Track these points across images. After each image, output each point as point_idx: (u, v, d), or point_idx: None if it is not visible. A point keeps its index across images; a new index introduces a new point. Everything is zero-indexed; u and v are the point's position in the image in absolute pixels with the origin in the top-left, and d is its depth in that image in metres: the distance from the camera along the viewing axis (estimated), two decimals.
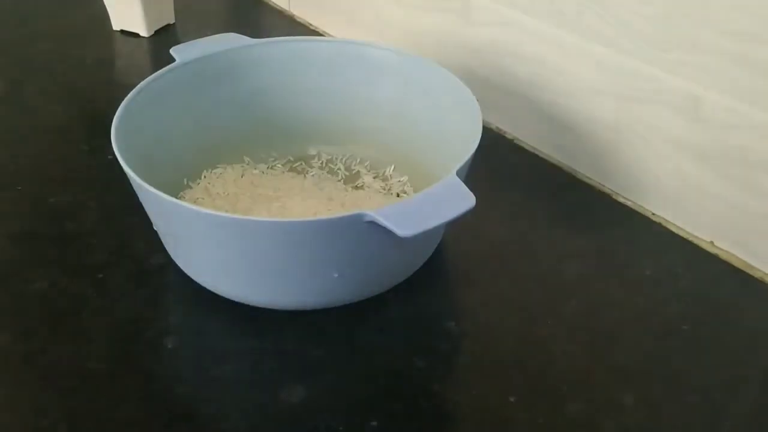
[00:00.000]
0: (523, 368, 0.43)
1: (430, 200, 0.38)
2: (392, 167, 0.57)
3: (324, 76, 0.57)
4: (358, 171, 0.57)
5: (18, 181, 0.58)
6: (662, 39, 0.49)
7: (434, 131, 0.53)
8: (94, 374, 0.42)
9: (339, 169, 0.57)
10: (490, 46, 0.62)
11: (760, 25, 0.44)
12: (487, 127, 0.53)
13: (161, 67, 0.51)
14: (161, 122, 0.51)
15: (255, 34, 0.57)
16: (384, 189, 0.55)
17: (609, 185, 0.58)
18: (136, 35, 0.81)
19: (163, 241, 0.48)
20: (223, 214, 0.38)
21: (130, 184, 0.43)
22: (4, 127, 0.65)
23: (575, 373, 0.43)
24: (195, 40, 0.55)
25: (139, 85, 0.49)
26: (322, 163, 0.58)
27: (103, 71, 0.76)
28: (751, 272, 0.50)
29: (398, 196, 0.55)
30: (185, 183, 0.54)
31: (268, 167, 0.57)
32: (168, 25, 0.84)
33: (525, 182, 0.60)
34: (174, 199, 0.40)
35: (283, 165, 0.58)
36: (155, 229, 0.47)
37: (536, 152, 0.63)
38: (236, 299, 0.46)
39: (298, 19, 0.86)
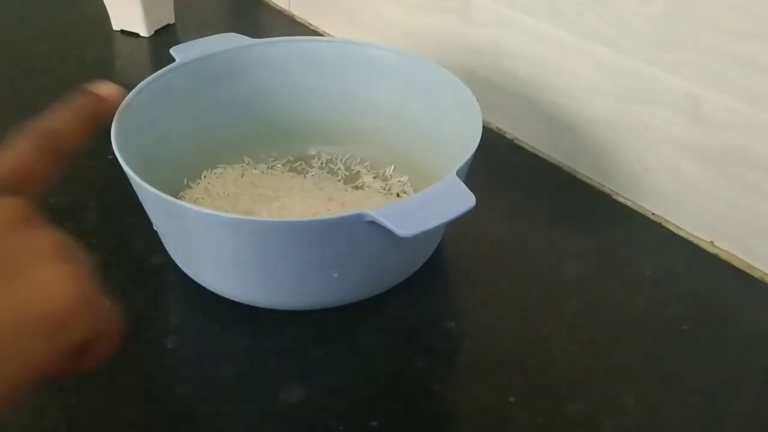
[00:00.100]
0: (523, 368, 0.43)
1: (430, 200, 0.38)
2: (392, 167, 0.57)
3: (324, 76, 0.57)
4: (358, 171, 0.57)
5: None
6: (662, 39, 0.49)
7: (434, 131, 0.53)
8: (94, 374, 0.42)
9: (339, 169, 0.57)
10: (490, 46, 0.62)
11: (760, 25, 0.44)
12: (487, 127, 0.53)
13: (161, 67, 0.51)
14: (161, 122, 0.51)
15: (255, 34, 0.57)
16: (384, 189, 0.55)
17: (609, 185, 0.58)
18: (136, 35, 0.81)
19: (163, 241, 0.48)
20: (223, 214, 0.38)
21: (130, 184, 0.43)
22: (4, 127, 0.65)
23: (575, 373, 0.43)
24: (195, 40, 0.55)
25: (139, 85, 0.49)
26: (322, 163, 0.58)
27: (103, 71, 0.76)
28: (751, 272, 0.50)
29: (398, 196, 0.55)
30: (185, 183, 0.54)
31: (268, 167, 0.57)
32: (168, 25, 0.84)
33: (525, 182, 0.60)
34: (174, 199, 0.40)
35: (283, 165, 0.58)
36: (155, 229, 0.47)
37: (536, 152, 0.63)
38: (236, 299, 0.46)
39: (298, 19, 0.86)
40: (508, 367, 0.43)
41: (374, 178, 0.56)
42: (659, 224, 0.55)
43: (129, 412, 0.40)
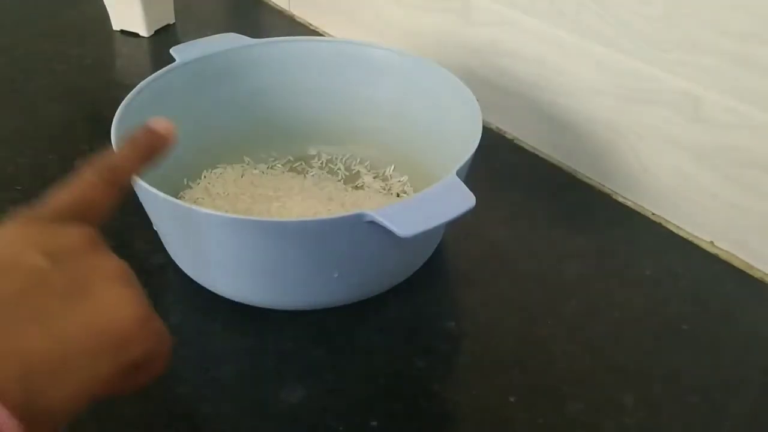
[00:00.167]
0: (523, 368, 0.43)
1: (430, 200, 0.38)
2: (392, 167, 0.57)
3: (324, 76, 0.57)
4: (358, 171, 0.57)
5: (18, 181, 0.58)
6: (662, 39, 0.49)
7: (434, 131, 0.54)
8: None
9: (339, 169, 0.57)
10: (490, 46, 0.62)
11: (760, 25, 0.44)
12: (487, 127, 0.53)
13: (161, 67, 0.51)
14: None
15: (255, 34, 0.57)
16: (384, 189, 0.55)
17: (609, 185, 0.58)
18: (136, 35, 0.81)
19: (163, 241, 0.48)
20: (223, 214, 0.38)
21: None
22: (4, 127, 0.65)
23: (575, 373, 0.43)
24: (195, 40, 0.55)
25: (139, 85, 0.49)
26: (322, 163, 0.58)
27: (103, 71, 0.76)
28: (751, 272, 0.50)
29: (398, 196, 0.55)
30: (185, 183, 0.54)
31: (268, 167, 0.57)
32: (168, 25, 0.84)
33: (525, 182, 0.60)
34: (174, 199, 0.40)
35: (283, 165, 0.58)
36: (155, 229, 0.47)
37: (536, 152, 0.63)
38: (236, 299, 0.46)
39: (298, 19, 0.86)
40: (508, 367, 0.43)
41: (374, 178, 0.56)
42: (659, 224, 0.55)
43: (129, 412, 0.40)
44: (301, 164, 0.58)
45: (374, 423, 0.39)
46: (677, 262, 0.51)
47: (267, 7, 0.90)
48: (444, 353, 0.44)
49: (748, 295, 0.49)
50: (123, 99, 0.47)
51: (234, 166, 0.56)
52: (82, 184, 0.30)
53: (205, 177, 0.55)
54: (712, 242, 0.52)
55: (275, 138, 0.58)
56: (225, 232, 0.40)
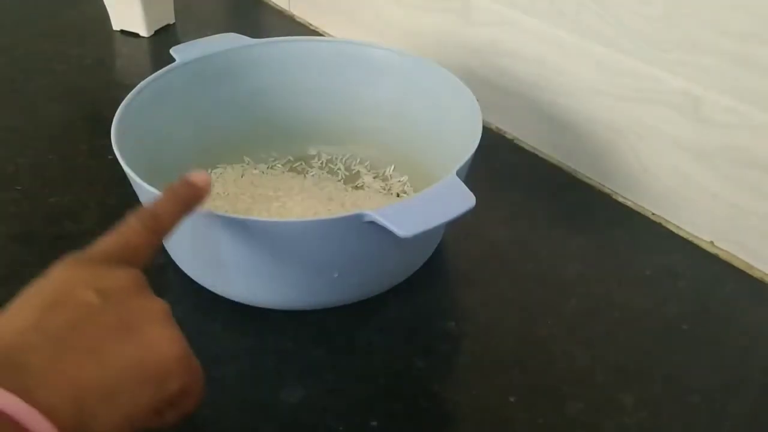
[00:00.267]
0: (523, 368, 0.43)
1: (430, 200, 0.38)
2: (392, 167, 0.57)
3: (324, 76, 0.57)
4: (358, 171, 0.57)
5: (18, 181, 0.58)
6: (662, 39, 0.49)
7: (434, 131, 0.53)
8: None
9: (339, 169, 0.57)
10: (490, 46, 0.62)
11: (760, 25, 0.44)
12: (487, 127, 0.53)
13: (161, 67, 0.51)
14: (161, 122, 0.51)
15: (255, 34, 0.57)
16: (384, 189, 0.55)
17: (609, 185, 0.58)
18: (136, 35, 0.81)
19: (163, 240, 0.48)
20: (224, 214, 0.38)
21: (130, 184, 0.43)
22: (4, 127, 0.65)
23: (575, 373, 0.43)
24: (195, 40, 0.55)
25: (139, 85, 0.49)
26: (322, 163, 0.58)
27: (103, 71, 0.76)
28: (751, 272, 0.50)
29: (398, 196, 0.55)
30: None
31: (268, 167, 0.57)
32: (168, 25, 0.84)
33: (525, 182, 0.60)
34: None
35: (283, 165, 0.58)
36: None
37: (536, 152, 0.63)
38: (236, 299, 0.46)
39: (298, 19, 0.86)
40: (508, 367, 0.43)
41: (374, 178, 0.56)
42: (659, 224, 0.55)
43: None
44: (301, 164, 0.58)
45: (374, 423, 0.39)
46: (677, 262, 0.51)
47: (267, 7, 0.90)
48: (444, 353, 0.44)
49: (748, 295, 0.49)
50: (123, 99, 0.47)
51: (234, 166, 0.56)
52: (127, 231, 0.33)
53: None
54: (712, 242, 0.52)
55: (275, 138, 0.58)
56: (225, 232, 0.40)
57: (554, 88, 0.59)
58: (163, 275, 0.49)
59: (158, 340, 0.29)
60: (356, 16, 0.77)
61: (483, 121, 0.46)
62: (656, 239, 0.53)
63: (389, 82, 0.56)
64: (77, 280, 0.29)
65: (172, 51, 0.53)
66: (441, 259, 0.50)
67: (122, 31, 0.82)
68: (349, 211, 0.38)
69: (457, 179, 0.40)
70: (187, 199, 0.36)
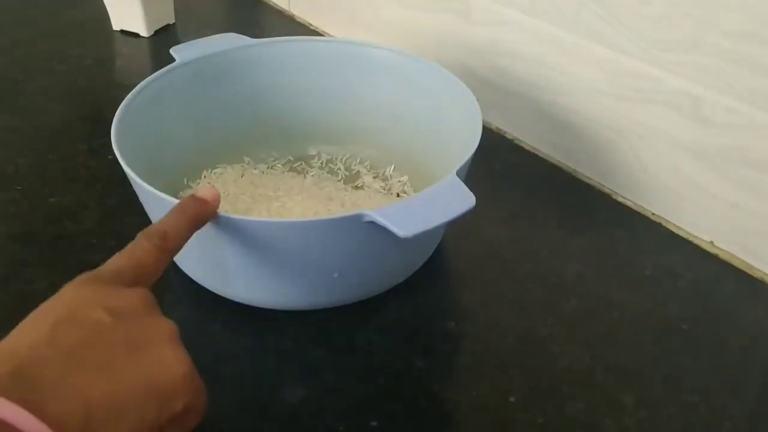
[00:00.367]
0: (523, 368, 0.43)
1: (430, 200, 0.38)
2: (392, 167, 0.57)
3: (324, 76, 0.57)
4: (358, 171, 0.57)
5: (18, 181, 0.58)
6: (662, 39, 0.49)
7: (434, 131, 0.53)
8: None
9: (339, 169, 0.57)
10: (489, 46, 0.62)
11: (760, 25, 0.44)
12: (487, 127, 0.53)
13: (161, 67, 0.51)
14: (161, 122, 0.51)
15: (255, 34, 0.57)
16: (384, 189, 0.55)
17: (609, 185, 0.58)
18: (136, 35, 0.81)
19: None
20: (223, 214, 0.38)
21: (130, 184, 0.43)
22: (4, 127, 0.65)
23: (575, 373, 0.43)
24: (195, 40, 0.55)
25: (139, 85, 0.49)
26: (322, 163, 0.58)
27: (103, 71, 0.76)
28: (751, 272, 0.50)
29: (398, 196, 0.55)
30: (185, 183, 0.54)
31: (268, 167, 0.57)
32: (168, 25, 0.84)
33: (525, 182, 0.60)
34: (174, 199, 0.40)
35: (283, 165, 0.58)
36: None
37: (536, 152, 0.63)
38: (236, 299, 0.46)
39: (298, 19, 0.86)
40: (508, 367, 0.43)
41: (374, 178, 0.56)
42: (659, 224, 0.55)
43: None
44: (301, 164, 0.58)
45: (374, 423, 0.39)
46: (677, 262, 0.51)
47: (267, 7, 0.90)
48: (444, 353, 0.44)
49: (748, 295, 0.49)
50: (123, 99, 0.47)
51: (234, 166, 0.56)
52: (137, 250, 0.34)
53: (205, 177, 0.55)
54: (712, 242, 0.52)
55: (275, 138, 0.58)
56: (225, 232, 0.40)
57: (554, 88, 0.59)
58: (163, 275, 0.48)
59: (166, 359, 0.29)
60: (356, 16, 0.77)
61: (483, 121, 0.46)
62: (656, 239, 0.53)
63: (389, 82, 0.56)
64: (88, 299, 0.30)
65: (172, 51, 0.53)
66: (441, 259, 0.50)
67: (122, 31, 0.82)
68: (349, 211, 0.38)
69: (457, 179, 0.40)
70: (196, 216, 0.37)
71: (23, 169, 0.59)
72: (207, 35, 0.56)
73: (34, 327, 0.28)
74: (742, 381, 0.43)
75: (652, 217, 0.55)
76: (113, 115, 0.46)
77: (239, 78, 0.56)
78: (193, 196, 0.37)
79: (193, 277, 0.47)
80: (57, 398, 0.25)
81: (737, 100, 0.47)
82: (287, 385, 0.42)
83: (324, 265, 0.42)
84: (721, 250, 0.52)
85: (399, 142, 0.56)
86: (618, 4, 0.51)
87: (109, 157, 0.44)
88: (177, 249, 0.36)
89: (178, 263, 0.47)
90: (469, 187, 0.39)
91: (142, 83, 0.49)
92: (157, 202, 0.41)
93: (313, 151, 0.59)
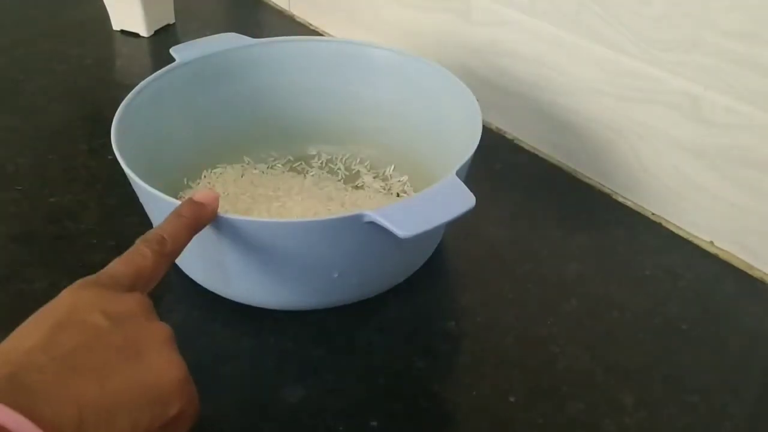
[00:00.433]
0: (523, 368, 0.43)
1: (430, 200, 0.38)
2: (392, 167, 0.57)
3: (324, 76, 0.57)
4: (358, 171, 0.57)
5: (18, 181, 0.58)
6: (662, 39, 0.49)
7: (434, 131, 0.53)
8: None
9: (339, 169, 0.57)
10: (489, 46, 0.62)
11: (760, 25, 0.44)
12: (487, 127, 0.53)
13: (161, 67, 0.51)
14: (161, 122, 0.51)
15: (255, 34, 0.57)
16: (384, 189, 0.55)
17: (609, 185, 0.58)
18: (136, 35, 0.81)
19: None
20: (223, 214, 0.38)
21: (130, 184, 0.43)
22: (4, 127, 0.65)
23: (575, 373, 0.43)
24: (195, 40, 0.55)
25: (139, 85, 0.49)
26: (322, 163, 0.58)
27: (103, 71, 0.76)
28: (751, 272, 0.50)
29: (398, 196, 0.55)
30: (185, 183, 0.54)
31: (268, 167, 0.57)
32: (168, 25, 0.84)
33: (525, 182, 0.60)
34: (174, 199, 0.40)
35: (283, 165, 0.58)
36: None
37: (536, 152, 0.63)
38: (236, 299, 0.46)
39: (298, 19, 0.86)
40: (508, 367, 0.43)
41: (374, 178, 0.56)
42: (659, 224, 0.55)
43: None
44: (301, 164, 0.58)
45: (374, 423, 0.39)
46: (677, 262, 0.51)
47: (267, 7, 0.90)
48: (444, 353, 0.44)
49: (748, 295, 0.49)
50: (123, 99, 0.47)
51: (234, 166, 0.56)
52: (135, 256, 0.34)
53: (205, 177, 0.55)
54: (712, 242, 0.52)
55: (275, 138, 0.58)
56: (225, 232, 0.40)
57: (554, 88, 0.59)
58: (163, 276, 0.49)
59: (162, 364, 0.29)
60: (356, 16, 0.77)
61: (483, 121, 0.46)
62: (656, 239, 0.54)
63: (389, 82, 0.56)
64: (87, 303, 0.30)
65: (172, 51, 0.53)
66: (441, 259, 0.50)
67: (122, 31, 0.82)
68: (349, 211, 0.38)
69: (457, 179, 0.40)
70: (194, 220, 0.37)
71: (23, 169, 0.59)
72: (207, 35, 0.56)
73: (32, 330, 0.28)
74: (742, 381, 0.43)
75: (652, 217, 0.55)
76: (113, 115, 0.46)
77: (239, 78, 0.56)
78: (191, 200, 0.37)
79: (193, 278, 0.47)
80: (51, 402, 0.25)
81: (737, 100, 0.47)
82: (287, 385, 0.42)
83: (324, 265, 0.42)
84: (721, 250, 0.52)
85: (399, 142, 0.56)
86: (618, 4, 0.51)
87: (109, 157, 0.44)
88: (176, 254, 0.36)
89: (179, 264, 0.47)
90: (469, 187, 0.39)
91: (142, 83, 0.49)
92: (157, 203, 0.41)
93: (313, 151, 0.59)
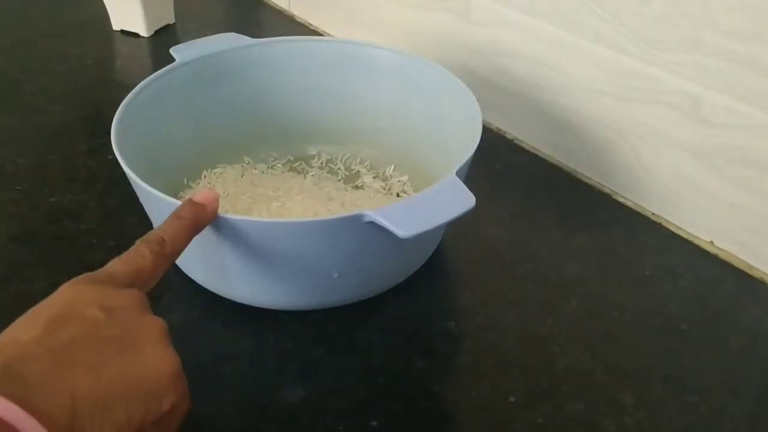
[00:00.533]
0: (523, 368, 0.43)
1: (430, 200, 0.38)
2: (392, 167, 0.57)
3: (324, 76, 0.57)
4: (358, 171, 0.57)
5: (18, 181, 0.58)
6: (662, 39, 0.49)
7: (434, 131, 0.53)
8: None
9: (339, 169, 0.57)
10: (489, 46, 0.62)
11: (760, 25, 0.44)
12: (487, 127, 0.53)
13: (161, 67, 0.51)
14: (161, 122, 0.51)
15: (255, 34, 0.57)
16: (384, 189, 0.55)
17: (609, 185, 0.58)
18: (136, 35, 0.81)
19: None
20: (224, 214, 0.38)
21: (130, 184, 0.43)
22: (4, 127, 0.65)
23: (575, 373, 0.43)
24: (195, 40, 0.55)
25: (139, 85, 0.49)
26: (322, 163, 0.58)
27: (103, 71, 0.76)
28: (751, 272, 0.50)
29: (398, 196, 0.55)
30: (185, 183, 0.54)
31: (268, 167, 0.57)
32: (168, 25, 0.84)
33: (525, 182, 0.60)
34: (174, 199, 0.40)
35: (283, 165, 0.58)
36: None
37: (536, 152, 0.63)
38: (236, 299, 0.46)
39: (298, 19, 0.86)
40: (508, 367, 0.43)
41: (374, 178, 0.56)
42: (659, 224, 0.55)
43: None
44: (301, 164, 0.58)
45: (374, 423, 0.39)
46: (677, 262, 0.51)
47: (267, 7, 0.90)
48: (444, 353, 0.44)
49: (748, 295, 0.49)
50: (123, 99, 0.47)
51: (234, 166, 0.56)
52: (135, 256, 0.34)
53: (205, 177, 0.55)
54: (712, 242, 0.52)
55: (275, 138, 0.58)
56: (225, 232, 0.40)
57: (554, 88, 0.59)
58: (163, 276, 0.49)
59: (155, 358, 0.30)
60: (356, 16, 0.77)
61: (483, 121, 0.46)
62: (656, 239, 0.54)
63: (389, 82, 0.56)
64: (84, 298, 0.30)
65: (172, 51, 0.53)
66: (441, 259, 0.50)
67: (122, 31, 0.82)
68: (349, 211, 0.38)
69: (457, 179, 0.39)
70: (194, 221, 0.37)
71: (23, 169, 0.59)
72: (207, 35, 0.56)
73: (29, 323, 0.29)
74: (742, 381, 0.43)
75: (652, 217, 0.55)
76: (113, 115, 0.46)
77: (239, 78, 0.56)
78: (191, 201, 0.38)
79: (193, 277, 0.47)
80: (46, 393, 0.26)
81: (737, 100, 0.47)
82: (287, 385, 0.42)
83: (324, 265, 0.42)
84: (721, 250, 0.52)
85: (399, 142, 0.56)
86: (618, 4, 0.51)
87: (109, 157, 0.44)
88: (176, 255, 0.36)
89: (179, 264, 0.47)
90: (469, 187, 0.39)
91: (142, 83, 0.49)
92: (157, 203, 0.41)
93: (313, 151, 0.59)
